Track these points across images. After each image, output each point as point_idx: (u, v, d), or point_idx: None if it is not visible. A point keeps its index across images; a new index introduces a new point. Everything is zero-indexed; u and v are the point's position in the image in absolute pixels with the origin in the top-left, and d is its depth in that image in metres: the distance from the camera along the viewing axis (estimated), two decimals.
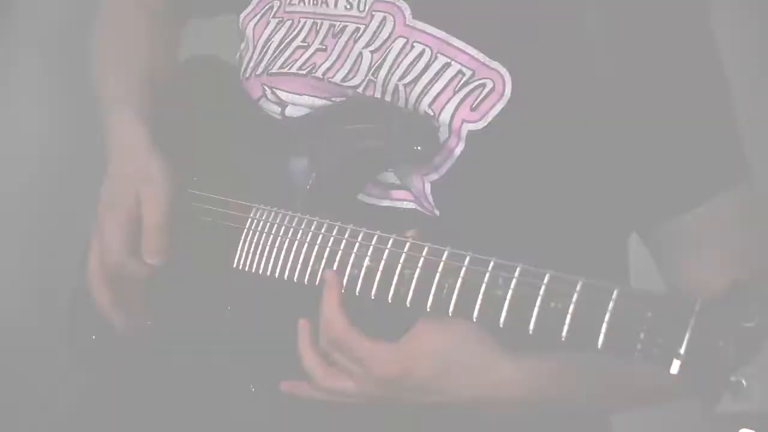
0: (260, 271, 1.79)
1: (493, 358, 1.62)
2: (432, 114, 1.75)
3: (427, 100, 1.76)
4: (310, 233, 1.73)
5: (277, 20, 1.94)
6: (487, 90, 1.73)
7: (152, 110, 1.97)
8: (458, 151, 1.74)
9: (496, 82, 1.72)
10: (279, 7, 1.94)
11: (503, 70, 1.73)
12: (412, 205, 1.77)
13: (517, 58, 1.72)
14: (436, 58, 1.77)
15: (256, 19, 1.96)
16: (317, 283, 1.70)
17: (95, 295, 1.89)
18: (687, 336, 1.34)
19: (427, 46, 1.78)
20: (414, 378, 1.62)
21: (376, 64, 1.81)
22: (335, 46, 1.86)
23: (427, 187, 1.76)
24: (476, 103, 1.73)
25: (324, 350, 1.68)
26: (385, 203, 1.79)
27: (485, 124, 1.72)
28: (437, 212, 1.76)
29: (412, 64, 1.78)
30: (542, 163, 1.72)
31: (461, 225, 1.75)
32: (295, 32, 1.91)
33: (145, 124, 1.93)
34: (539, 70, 1.71)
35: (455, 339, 1.62)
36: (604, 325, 1.40)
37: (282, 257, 1.76)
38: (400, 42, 1.80)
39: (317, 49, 1.88)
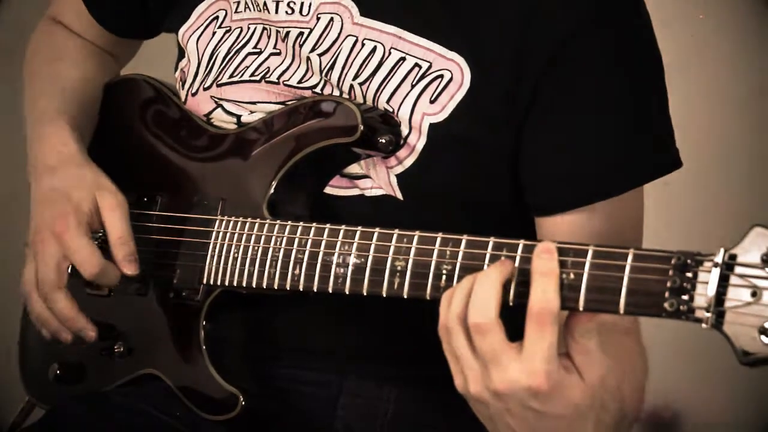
0: (234, 284, 1.74)
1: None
2: (391, 110, 1.74)
3: (384, 96, 1.74)
4: (284, 238, 1.69)
5: (224, 30, 1.90)
6: (445, 81, 1.72)
7: (83, 129, 1.94)
8: (420, 145, 1.73)
9: (454, 73, 1.72)
10: (225, 16, 1.91)
11: (460, 60, 1.72)
12: (381, 192, 1.76)
13: (474, 47, 1.72)
14: (389, 53, 1.75)
15: (199, 32, 1.92)
16: (301, 288, 1.66)
17: (57, 308, 1.80)
18: (715, 289, 1.34)
19: (378, 42, 1.76)
20: (541, 404, 1.44)
21: (327, 66, 1.78)
22: (287, 50, 1.83)
23: (393, 179, 1.74)
24: (435, 95, 1.72)
25: (447, 327, 1.48)
26: (355, 192, 1.77)
27: (446, 116, 1.72)
28: (404, 199, 1.75)
29: (365, 62, 1.76)
30: (503, 146, 1.72)
31: (431, 209, 1.74)
32: (245, 39, 1.87)
33: (81, 139, 1.91)
34: (496, 57, 1.71)
35: (594, 402, 1.46)
36: (624, 289, 1.39)
37: (257, 266, 1.71)
38: (350, 41, 1.78)
39: (271, 53, 1.85)
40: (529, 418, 1.45)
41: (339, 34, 1.79)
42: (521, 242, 1.48)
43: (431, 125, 1.72)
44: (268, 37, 1.86)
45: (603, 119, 1.69)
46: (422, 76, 1.73)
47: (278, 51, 1.84)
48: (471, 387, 1.46)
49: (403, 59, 1.75)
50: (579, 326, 1.45)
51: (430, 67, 1.73)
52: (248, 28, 1.88)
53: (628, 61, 1.71)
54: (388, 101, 1.74)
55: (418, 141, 1.73)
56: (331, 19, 1.80)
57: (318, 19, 1.81)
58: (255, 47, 1.86)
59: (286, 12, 1.83)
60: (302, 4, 1.82)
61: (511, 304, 1.46)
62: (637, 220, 1.75)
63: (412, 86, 1.73)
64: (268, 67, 1.84)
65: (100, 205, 1.81)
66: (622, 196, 1.70)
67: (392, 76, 1.74)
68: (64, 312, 1.80)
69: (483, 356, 1.44)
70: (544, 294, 1.42)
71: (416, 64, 1.74)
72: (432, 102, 1.72)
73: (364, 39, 1.77)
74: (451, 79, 1.72)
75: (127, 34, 2.09)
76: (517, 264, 1.47)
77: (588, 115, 1.69)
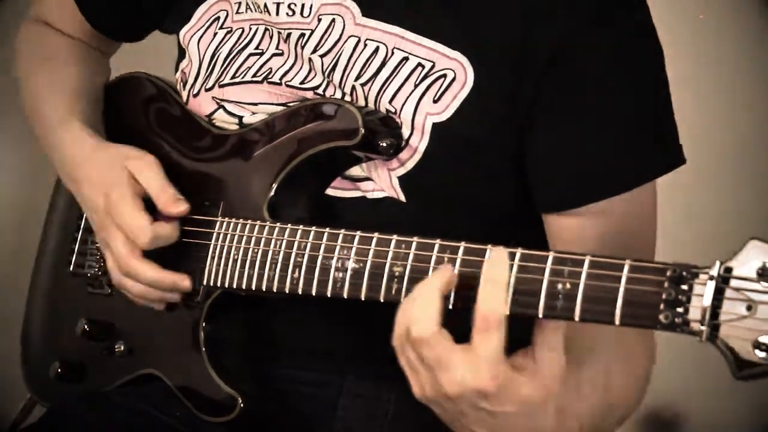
0: (234, 286, 1.74)
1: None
2: (393, 111, 1.73)
3: (386, 97, 1.74)
4: (284, 240, 1.69)
5: (225, 30, 1.90)
6: (448, 80, 1.72)
7: (94, 127, 1.95)
8: (422, 146, 1.73)
9: (458, 72, 1.72)
10: (227, 17, 1.91)
11: (464, 59, 1.72)
12: (383, 194, 1.76)
13: (477, 46, 1.72)
14: (392, 53, 1.75)
15: (200, 33, 1.92)
16: (299, 291, 1.66)
17: (143, 277, 1.80)
18: (710, 302, 1.34)
19: (381, 43, 1.76)
20: (490, 404, 1.46)
21: (329, 67, 1.78)
22: (289, 51, 1.83)
23: (395, 181, 1.74)
24: (438, 94, 1.72)
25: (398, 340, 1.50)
26: (356, 194, 1.77)
27: (449, 115, 1.72)
28: (406, 201, 1.75)
29: (368, 62, 1.76)
30: (505, 146, 1.72)
31: (433, 210, 1.74)
32: (247, 39, 1.87)
33: (94, 128, 1.93)
34: (498, 56, 1.71)
35: (549, 395, 1.48)
36: (620, 300, 1.39)
37: (257, 268, 1.71)
38: (352, 42, 1.78)
39: (273, 54, 1.84)
40: (484, 417, 1.49)
41: (341, 35, 1.79)
42: (519, 251, 1.48)
43: (434, 125, 1.72)
44: (270, 38, 1.86)
45: (605, 118, 1.69)
46: (425, 76, 1.73)
47: (281, 52, 1.84)
48: (427, 393, 1.49)
49: (406, 59, 1.75)
50: (551, 322, 1.47)
51: (433, 66, 1.73)
52: (250, 29, 1.87)
53: (629, 60, 1.71)
54: (390, 101, 1.74)
55: (420, 142, 1.73)
56: (333, 20, 1.80)
57: (319, 20, 1.81)
58: (257, 48, 1.86)
59: (287, 14, 1.83)
60: (303, 5, 1.82)
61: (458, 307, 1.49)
62: (647, 218, 1.75)
63: (415, 86, 1.73)
64: (271, 68, 1.84)
65: (132, 172, 1.83)
66: (630, 193, 1.70)
67: (395, 76, 1.74)
68: (152, 276, 1.80)
69: (430, 364, 1.47)
70: (490, 300, 1.44)
71: (419, 64, 1.74)
72: (435, 101, 1.72)
73: (367, 39, 1.77)
74: (454, 79, 1.72)
75: (118, 36, 2.09)
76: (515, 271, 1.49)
77: (589, 114, 1.69)
